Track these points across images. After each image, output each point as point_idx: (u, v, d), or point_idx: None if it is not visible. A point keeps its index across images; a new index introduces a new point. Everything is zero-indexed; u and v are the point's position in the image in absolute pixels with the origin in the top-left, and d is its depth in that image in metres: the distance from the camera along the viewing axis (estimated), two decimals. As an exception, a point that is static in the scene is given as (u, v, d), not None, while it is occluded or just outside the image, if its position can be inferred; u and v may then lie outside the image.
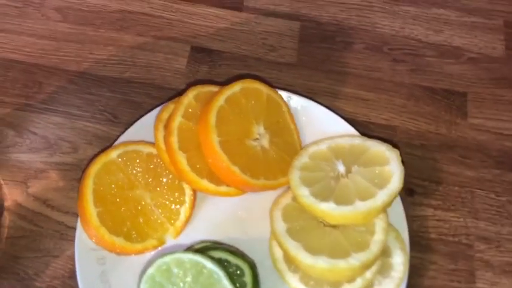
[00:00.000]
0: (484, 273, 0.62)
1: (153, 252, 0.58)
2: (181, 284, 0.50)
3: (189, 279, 0.50)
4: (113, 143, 0.63)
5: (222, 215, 0.61)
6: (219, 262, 0.51)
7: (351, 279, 0.54)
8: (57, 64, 0.71)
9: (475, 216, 0.66)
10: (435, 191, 0.67)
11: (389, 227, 0.57)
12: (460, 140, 0.70)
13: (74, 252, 0.59)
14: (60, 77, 0.70)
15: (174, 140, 0.57)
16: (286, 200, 0.60)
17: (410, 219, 0.62)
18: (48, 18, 0.74)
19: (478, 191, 0.67)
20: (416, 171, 0.68)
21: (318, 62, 0.74)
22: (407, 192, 0.66)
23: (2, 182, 0.62)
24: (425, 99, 0.73)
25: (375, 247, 0.54)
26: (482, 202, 0.67)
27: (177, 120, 0.58)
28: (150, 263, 0.52)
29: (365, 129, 0.69)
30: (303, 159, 0.62)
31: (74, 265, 0.58)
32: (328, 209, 0.55)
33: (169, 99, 0.67)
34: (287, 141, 0.63)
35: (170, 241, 0.59)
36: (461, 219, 0.65)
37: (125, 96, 0.69)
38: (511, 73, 0.75)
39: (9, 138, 0.65)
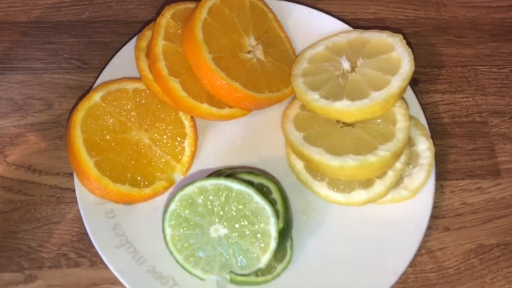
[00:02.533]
0: (502, 146, 0.61)
1: (165, 195, 0.53)
2: (211, 214, 0.45)
3: (217, 206, 0.45)
4: (89, 90, 0.56)
5: (228, 141, 0.56)
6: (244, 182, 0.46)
7: (381, 174, 0.51)
8: (3, 18, 0.62)
9: (482, 92, 0.63)
10: (438, 75, 0.64)
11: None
12: (452, 21, 0.67)
13: (76, 214, 0.53)
14: (11, 31, 0.61)
15: (162, 65, 0.51)
16: (294, 110, 0.55)
17: (422, 107, 0.59)
18: (-21, -32, 0.64)
19: (480, 67, 0.65)
20: (415, 59, 0.62)
21: (290, -34, 0.68)
22: (412, 82, 0.62)
23: (-25, 156, 0.55)
24: (408, -15, 0.69)
25: (400, 134, 0.50)
26: (487, 77, 0.64)
27: (160, 43, 0.51)
28: (169, 200, 0.47)
29: (355, 27, 0.64)
30: (302, 65, 0.57)
31: (80, 227, 0.53)
32: (343, 107, 0.51)
33: (138, 32, 0.60)
34: (281, 50, 0.58)
35: (180, 179, 0.54)
36: (470, 98, 0.63)
37: (89, 38, 0.62)
38: None
39: (-31, 108, 0.57)
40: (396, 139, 0.50)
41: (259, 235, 0.44)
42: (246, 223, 0.45)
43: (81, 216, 0.51)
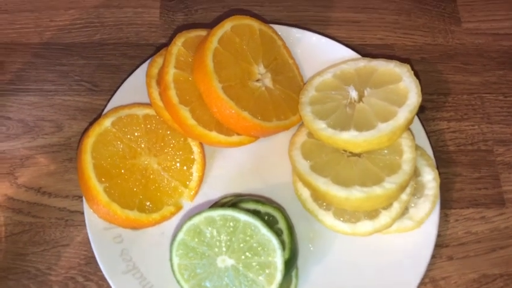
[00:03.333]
0: (508, 175, 0.61)
1: (172, 220, 0.54)
2: (218, 244, 0.46)
3: (224, 237, 0.46)
4: (100, 113, 0.57)
5: (236, 167, 0.57)
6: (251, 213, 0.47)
7: (387, 205, 0.52)
8: (15, 39, 0.63)
9: (488, 121, 0.64)
10: (445, 103, 0.64)
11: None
12: (459, 48, 0.68)
13: (85, 237, 0.54)
14: (23, 52, 0.62)
15: (173, 93, 0.51)
16: (302, 138, 0.56)
17: (428, 136, 0.60)
18: (-7, -11, 0.65)
19: (487, 95, 0.65)
20: (422, 86, 0.64)
21: (300, -9, 0.69)
22: (419, 109, 0.63)
23: (-14, 177, 0.56)
24: (416, 11, 0.70)
25: (407, 166, 0.51)
26: (493, 106, 0.65)
27: (171, 72, 0.52)
28: (177, 229, 0.47)
29: (362, 52, 0.65)
30: (310, 93, 0.57)
31: (88, 250, 0.54)
32: (350, 138, 0.51)
33: (149, 56, 0.61)
34: (289, 77, 0.59)
35: (188, 205, 0.54)
36: (476, 127, 0.63)
37: (100, 60, 0.62)
38: (495, -29, 0.73)
39: (-19, 129, 0.58)
40: (402, 171, 0.51)
41: (265, 267, 0.45)
42: (253, 255, 0.45)
43: (89, 240, 0.52)
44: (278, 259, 0.45)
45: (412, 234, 0.54)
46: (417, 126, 0.58)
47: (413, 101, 0.53)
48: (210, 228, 0.46)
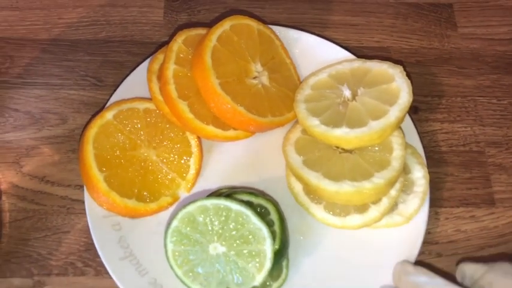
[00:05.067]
0: (498, 176, 0.62)
1: (169, 211, 0.56)
2: (210, 232, 0.48)
3: (217, 225, 0.47)
4: (103, 107, 0.59)
5: (232, 160, 0.58)
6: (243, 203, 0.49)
7: (376, 200, 0.53)
8: (25, 35, 0.65)
9: (481, 123, 0.65)
10: (438, 104, 0.66)
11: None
12: (454, 52, 0.69)
13: (85, 224, 0.56)
14: (32, 48, 0.65)
15: (172, 88, 0.53)
16: (296, 134, 0.58)
17: (420, 136, 0.61)
18: (5, -13, 0.68)
19: (480, 98, 0.67)
20: (416, 88, 0.66)
21: (300, -6, 0.71)
22: (412, 110, 0.65)
23: (-7, 165, 0.58)
24: (413, 15, 0.71)
25: (396, 163, 0.53)
26: (486, 108, 0.66)
27: (171, 67, 0.54)
28: (172, 217, 0.49)
29: (358, 54, 0.66)
30: (305, 91, 0.59)
31: (87, 238, 0.56)
32: (342, 134, 0.53)
33: (152, 53, 0.63)
34: (285, 76, 0.61)
35: (184, 196, 0.56)
36: (469, 128, 0.65)
37: (105, 57, 0.65)
38: (492, -22, 0.74)
39: (-11, 119, 0.61)
40: (392, 167, 0.52)
41: (255, 255, 0.47)
42: (243, 243, 0.47)
43: (89, 227, 0.54)
44: (268, 248, 0.47)
45: (401, 229, 0.55)
46: (410, 126, 0.60)
47: (405, 100, 0.54)
48: (203, 217, 0.48)
